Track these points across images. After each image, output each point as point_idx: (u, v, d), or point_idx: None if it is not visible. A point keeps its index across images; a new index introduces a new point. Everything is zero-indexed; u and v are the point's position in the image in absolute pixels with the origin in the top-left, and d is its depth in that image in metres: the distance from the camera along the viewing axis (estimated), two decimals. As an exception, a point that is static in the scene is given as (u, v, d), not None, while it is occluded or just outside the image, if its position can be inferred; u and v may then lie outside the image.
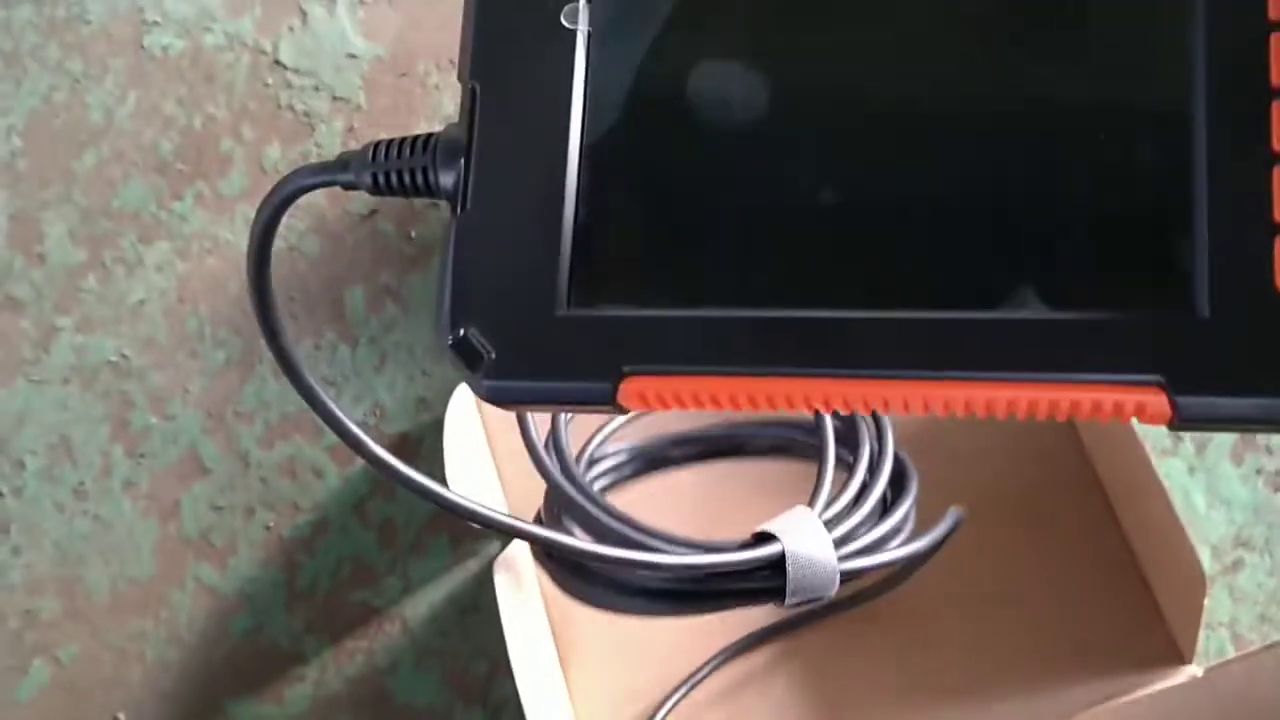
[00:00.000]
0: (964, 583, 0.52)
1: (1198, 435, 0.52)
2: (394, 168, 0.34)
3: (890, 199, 0.30)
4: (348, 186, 0.35)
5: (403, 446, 0.56)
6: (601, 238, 0.32)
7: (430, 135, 0.34)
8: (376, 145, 0.34)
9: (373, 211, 0.60)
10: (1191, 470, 0.52)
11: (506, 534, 0.41)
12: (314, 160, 0.62)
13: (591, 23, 0.32)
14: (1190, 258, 0.27)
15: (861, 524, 0.47)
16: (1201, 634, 0.49)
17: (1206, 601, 0.48)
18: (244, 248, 0.60)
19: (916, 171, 0.30)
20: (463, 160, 0.33)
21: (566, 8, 0.32)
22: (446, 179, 0.33)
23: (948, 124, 0.29)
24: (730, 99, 0.31)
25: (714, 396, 0.30)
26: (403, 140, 0.34)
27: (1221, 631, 0.51)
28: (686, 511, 0.53)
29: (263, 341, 0.59)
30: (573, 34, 0.32)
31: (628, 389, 0.31)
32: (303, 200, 0.43)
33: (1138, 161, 0.28)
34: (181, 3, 0.64)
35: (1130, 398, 0.27)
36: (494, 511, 0.43)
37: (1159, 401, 0.27)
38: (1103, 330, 0.27)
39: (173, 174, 0.62)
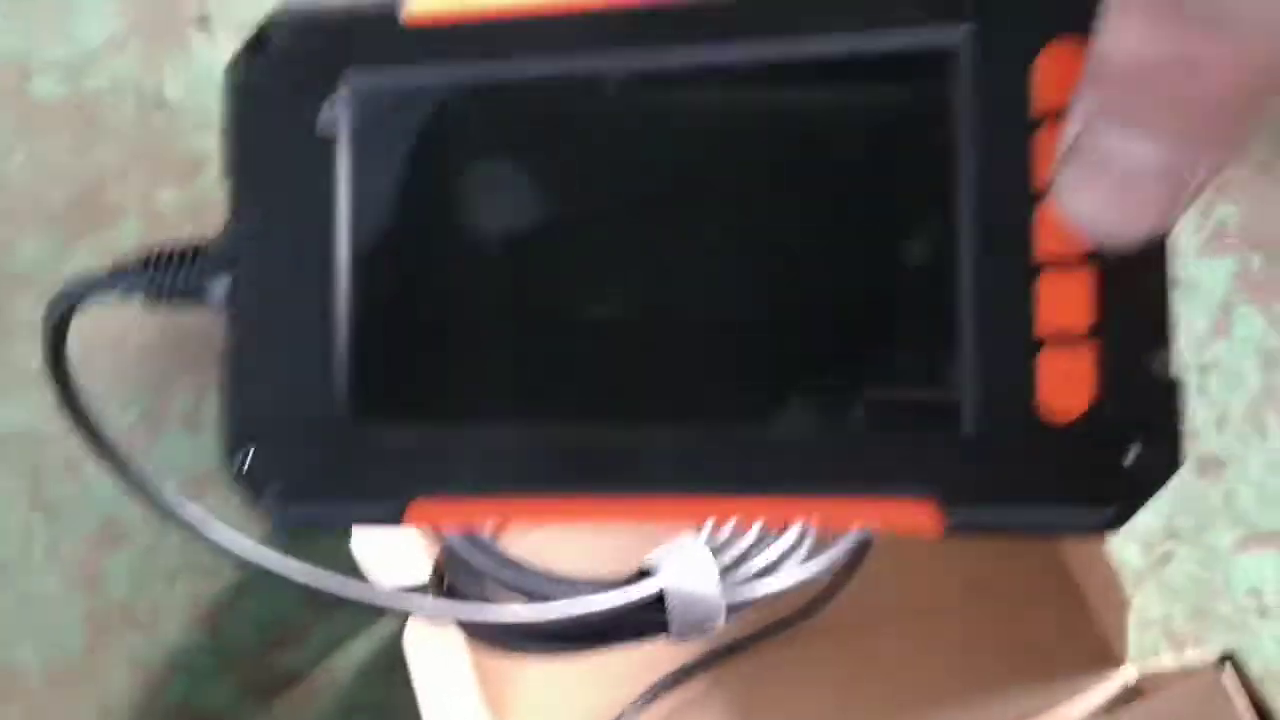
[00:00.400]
0: (895, 597, 0.51)
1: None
2: (164, 281, 0.32)
3: (661, 316, 0.29)
4: (122, 299, 0.33)
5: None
6: (378, 355, 0.30)
7: (199, 245, 0.32)
8: (146, 259, 0.33)
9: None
10: (1118, 460, 0.50)
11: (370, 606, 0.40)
12: (202, 205, 0.60)
13: (352, 127, 0.30)
14: (957, 375, 0.26)
15: (751, 548, 0.45)
16: (1134, 634, 0.47)
17: (1136, 600, 0.46)
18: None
19: (686, 289, 0.29)
20: (230, 272, 0.31)
21: (324, 112, 0.30)
22: (217, 291, 0.31)
23: (713, 241, 0.29)
24: (499, 208, 0.30)
25: (499, 515, 0.30)
26: (171, 251, 0.32)
27: (1155, 630, 0.49)
28: (599, 541, 0.52)
29: (172, 397, 0.59)
30: (331, 140, 0.30)
31: (417, 512, 0.30)
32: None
33: (903, 276, 0.27)
34: (62, 46, 0.61)
35: (903, 512, 0.27)
36: (359, 586, 0.42)
37: (930, 516, 0.26)
38: (876, 448, 0.27)
39: (66, 228, 0.60)
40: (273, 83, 0.30)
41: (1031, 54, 0.26)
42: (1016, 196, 0.26)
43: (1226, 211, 0.50)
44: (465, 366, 0.30)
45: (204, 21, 0.61)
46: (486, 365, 0.30)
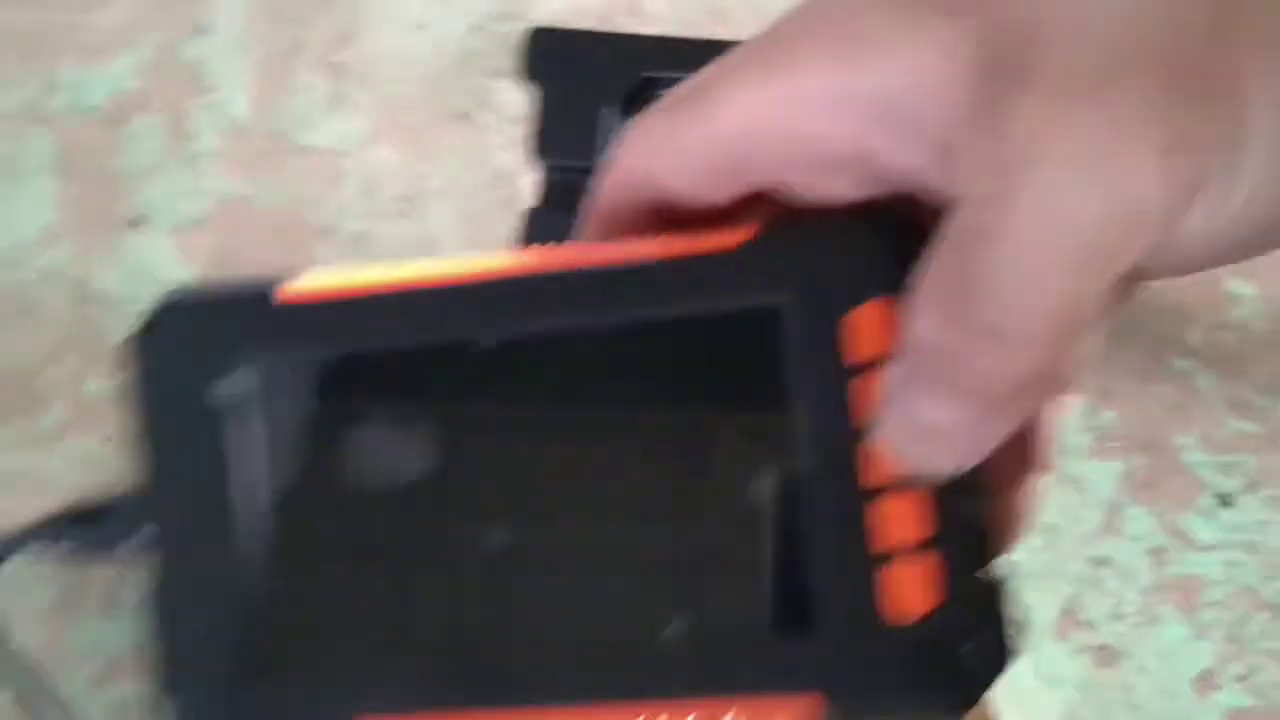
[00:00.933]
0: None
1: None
2: (82, 537, 0.35)
3: (548, 552, 0.33)
4: (38, 556, 0.35)
5: None
6: (286, 610, 0.33)
7: (112, 502, 0.34)
8: (61, 516, 0.35)
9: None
10: (1017, 651, 0.52)
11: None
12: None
13: (243, 399, 0.33)
14: (813, 587, 0.31)
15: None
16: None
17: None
18: (68, 482, 0.59)
19: (569, 530, 0.33)
20: (147, 526, 0.33)
21: (215, 386, 0.33)
22: (135, 543, 0.33)
23: (586, 486, 0.33)
24: (385, 463, 0.33)
25: None
26: (85, 508, 0.35)
27: (1059, 821, 0.51)
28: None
29: (90, 579, 0.59)
30: (225, 410, 0.33)
31: None
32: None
33: (756, 507, 0.31)
34: (-1, 238, 0.63)
35: (781, 708, 0.30)
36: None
37: (809, 711, 0.30)
38: (756, 651, 0.31)
39: (-6, 414, 0.61)
40: (167, 361, 0.33)
41: (843, 315, 0.31)
42: (843, 434, 0.31)
43: (1110, 416, 0.54)
44: (375, 604, 0.33)
45: (137, 222, 0.63)
46: (396, 600, 0.33)
